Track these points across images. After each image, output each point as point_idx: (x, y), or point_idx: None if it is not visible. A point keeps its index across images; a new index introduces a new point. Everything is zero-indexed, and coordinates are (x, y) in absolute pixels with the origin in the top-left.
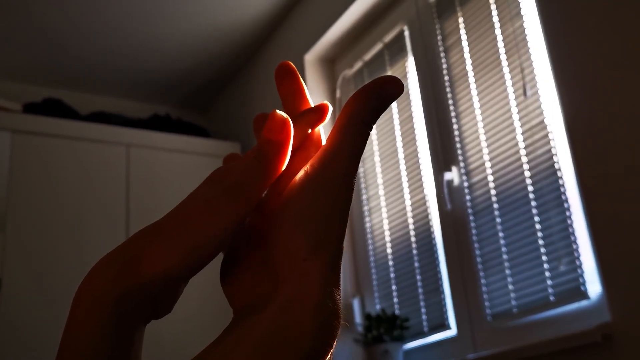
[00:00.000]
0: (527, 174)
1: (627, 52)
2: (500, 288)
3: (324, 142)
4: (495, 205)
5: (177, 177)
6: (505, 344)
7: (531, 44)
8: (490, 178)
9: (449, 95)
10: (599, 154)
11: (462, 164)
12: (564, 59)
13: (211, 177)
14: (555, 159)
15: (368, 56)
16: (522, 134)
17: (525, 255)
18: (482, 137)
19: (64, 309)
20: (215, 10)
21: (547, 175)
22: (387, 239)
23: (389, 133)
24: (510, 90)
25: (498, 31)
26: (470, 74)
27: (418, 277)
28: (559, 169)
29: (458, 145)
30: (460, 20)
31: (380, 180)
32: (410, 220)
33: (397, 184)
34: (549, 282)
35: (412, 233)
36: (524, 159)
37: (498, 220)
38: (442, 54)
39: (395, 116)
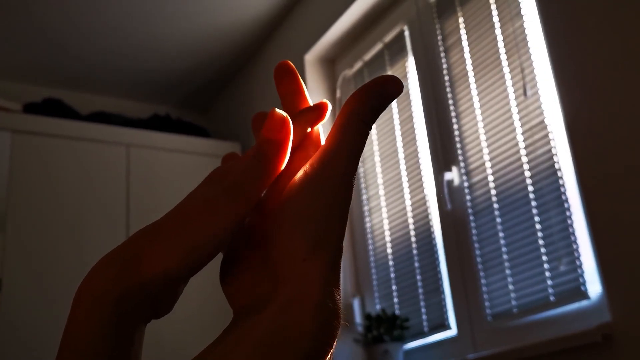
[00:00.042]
0: (527, 174)
1: (627, 52)
2: (500, 288)
3: (323, 141)
4: (496, 205)
5: (177, 177)
6: (506, 344)
7: (531, 44)
8: (491, 178)
9: (449, 95)
10: (599, 154)
11: (462, 164)
12: (564, 59)
13: (211, 177)
14: (555, 159)
15: (368, 56)
16: (522, 134)
17: (526, 255)
18: (482, 137)
19: (64, 309)
20: (215, 10)
21: (547, 175)
22: (387, 239)
23: (389, 133)
24: (510, 90)
25: (498, 31)
26: (471, 74)
27: (418, 277)
28: (559, 169)
29: (458, 145)
30: (461, 20)
31: (380, 180)
32: (411, 220)
33: (397, 184)
34: (549, 282)
35: (412, 233)
36: (524, 159)
37: (498, 220)
38: (442, 54)
39: (396, 116)
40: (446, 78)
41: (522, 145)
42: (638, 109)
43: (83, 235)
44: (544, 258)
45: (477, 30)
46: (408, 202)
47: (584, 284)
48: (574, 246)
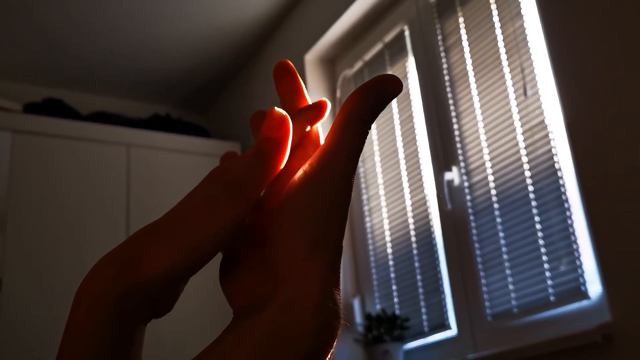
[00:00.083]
0: (528, 174)
1: (627, 52)
2: (500, 288)
3: (322, 140)
4: (496, 205)
5: (178, 177)
6: (506, 344)
7: (531, 44)
8: (491, 178)
9: (449, 95)
10: (599, 154)
11: (462, 164)
12: (564, 58)
13: (210, 176)
14: (555, 159)
15: (368, 56)
16: (523, 134)
17: (526, 255)
18: (483, 137)
19: (64, 309)
20: (215, 10)
21: (548, 175)
22: (388, 239)
23: (389, 133)
24: (510, 90)
25: (498, 31)
26: (471, 73)
27: (418, 277)
28: (559, 169)
29: (458, 145)
30: (461, 20)
31: (380, 180)
32: (411, 220)
33: (397, 184)
34: (549, 282)
35: (412, 233)
36: (525, 159)
37: (498, 220)
38: (442, 54)
39: (396, 116)
40: (446, 78)
41: (522, 145)
42: (638, 109)
43: (83, 235)
44: (544, 258)
45: (477, 30)
46: (408, 202)
47: (584, 284)
48: (574, 246)
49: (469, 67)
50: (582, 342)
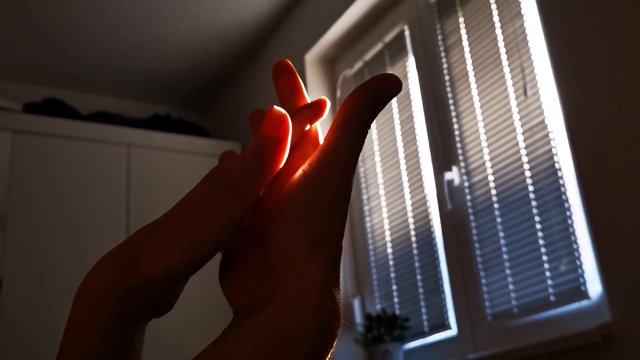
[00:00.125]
0: (528, 173)
1: (627, 52)
2: (500, 288)
3: (321, 140)
4: (496, 205)
5: (178, 177)
6: (506, 344)
7: (531, 44)
8: (491, 178)
9: (450, 95)
10: (599, 153)
11: (462, 164)
12: (564, 58)
13: (210, 175)
14: (555, 158)
15: (368, 56)
16: (523, 133)
17: (526, 255)
18: (483, 137)
19: (64, 309)
20: (215, 10)
21: (548, 175)
22: (388, 238)
23: (390, 133)
24: (510, 90)
25: (498, 31)
26: (471, 73)
27: (418, 277)
28: (560, 169)
29: (458, 145)
30: (461, 20)
31: (380, 180)
32: (411, 220)
33: (397, 184)
34: (549, 282)
35: (412, 233)
36: (525, 159)
37: (498, 220)
38: (442, 54)
39: (396, 116)
40: (446, 78)
41: (522, 145)
42: (638, 109)
43: (83, 235)
44: (544, 258)
45: (478, 30)
46: (408, 202)
47: (584, 284)
48: (574, 246)
49: (469, 67)
50: (582, 342)
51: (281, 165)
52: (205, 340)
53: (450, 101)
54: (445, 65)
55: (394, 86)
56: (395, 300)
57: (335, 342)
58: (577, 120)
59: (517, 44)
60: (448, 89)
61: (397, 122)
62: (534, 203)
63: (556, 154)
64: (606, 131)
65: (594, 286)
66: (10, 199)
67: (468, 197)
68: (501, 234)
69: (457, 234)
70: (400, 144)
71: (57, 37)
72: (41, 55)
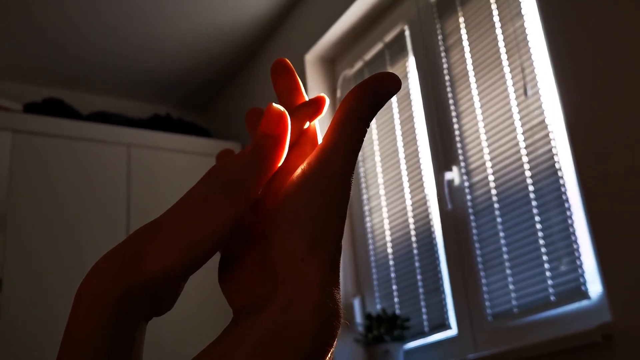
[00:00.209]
0: (528, 173)
1: (627, 52)
2: (500, 288)
3: (320, 138)
4: (496, 205)
5: (178, 177)
6: (506, 344)
7: (532, 44)
8: (491, 178)
9: (450, 95)
10: (599, 153)
11: (462, 164)
12: (564, 58)
13: (209, 174)
14: (555, 158)
15: (368, 56)
16: (523, 133)
17: (526, 255)
18: (483, 137)
19: (64, 309)
20: (215, 10)
21: (548, 175)
22: (388, 238)
23: (390, 133)
24: (510, 90)
25: (499, 31)
26: (471, 73)
27: (419, 277)
28: (560, 169)
29: (459, 145)
30: (461, 20)
31: (380, 180)
32: (411, 220)
33: (397, 184)
34: (549, 282)
35: (412, 233)
36: (525, 159)
37: (499, 220)
38: (442, 54)
39: (396, 116)
40: (447, 78)
41: (522, 145)
42: (638, 109)
43: (83, 235)
44: (545, 258)
45: (478, 30)
46: (408, 202)
47: (584, 283)
48: (575, 246)
49: (469, 67)
50: (582, 342)
51: (280, 164)
52: (205, 340)
53: (451, 101)
54: (445, 65)
55: (393, 85)
56: (396, 300)
57: (335, 342)
58: (577, 120)
59: (517, 44)
60: (448, 89)
61: (397, 122)
62: (534, 203)
63: (556, 154)
64: (606, 131)
65: (594, 286)
66: (10, 199)
67: (468, 197)
68: (501, 234)
69: (457, 234)
70: (400, 143)
71: (57, 37)
72: (41, 55)
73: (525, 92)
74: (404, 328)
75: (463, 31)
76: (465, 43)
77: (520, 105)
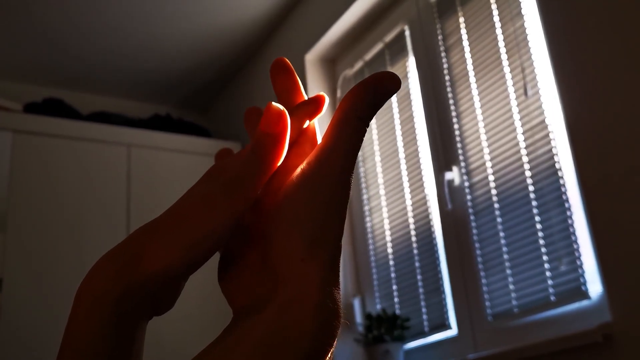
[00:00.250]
0: (528, 173)
1: (627, 52)
2: (500, 288)
3: (319, 138)
4: (496, 205)
5: (178, 177)
6: (506, 344)
7: (532, 44)
8: (491, 178)
9: (450, 95)
10: (599, 153)
11: (462, 164)
12: (564, 58)
13: (209, 173)
14: (556, 158)
15: (369, 56)
16: (523, 133)
17: (526, 255)
18: (483, 137)
19: (64, 309)
20: (215, 10)
21: (548, 175)
22: (388, 238)
23: (390, 133)
24: (511, 90)
25: (499, 31)
26: (471, 73)
27: (419, 277)
28: (560, 169)
29: (459, 145)
30: (461, 20)
31: (380, 180)
32: (411, 220)
33: (397, 184)
34: (549, 282)
35: (412, 233)
36: (525, 159)
37: (499, 220)
38: (442, 54)
39: (396, 116)
40: (447, 78)
41: (522, 145)
42: (638, 109)
43: (83, 235)
44: (545, 258)
45: (478, 30)
46: (408, 202)
47: (584, 283)
48: (575, 246)
49: (470, 67)
50: (582, 342)
51: (280, 163)
52: (205, 340)
53: (451, 101)
54: (445, 65)
55: (392, 84)
56: (396, 300)
57: (335, 342)
58: (577, 120)
59: (518, 44)
60: (448, 89)
61: (397, 122)
62: (534, 203)
63: (556, 154)
64: (606, 131)
65: (594, 286)
66: (11, 199)
67: (468, 197)
68: (501, 234)
69: (457, 234)
70: (400, 144)
71: (57, 37)
72: (41, 55)
73: (525, 92)
74: (404, 328)
75: (463, 31)
76: (466, 43)
77: (521, 105)
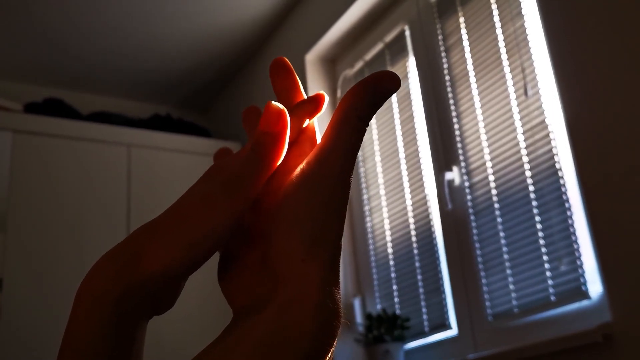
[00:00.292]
0: (528, 173)
1: (627, 52)
2: (501, 288)
3: (318, 137)
4: (496, 205)
5: (178, 177)
6: (506, 344)
7: (532, 44)
8: (491, 178)
9: (450, 95)
10: (599, 153)
11: (462, 164)
12: (564, 58)
13: (208, 173)
14: (556, 158)
15: (369, 56)
16: (523, 133)
17: (526, 255)
18: (483, 137)
19: (64, 309)
20: (215, 10)
21: (548, 175)
22: (388, 238)
23: (390, 133)
24: (511, 90)
25: (499, 31)
26: (471, 73)
27: (419, 277)
28: (560, 169)
29: (459, 145)
30: (461, 20)
31: (381, 180)
32: (411, 220)
33: (397, 184)
34: (549, 282)
35: (412, 233)
36: (525, 159)
37: (499, 220)
38: (443, 54)
39: (396, 116)
40: (447, 78)
41: (522, 145)
42: (638, 109)
43: (83, 235)
44: (545, 258)
45: (478, 30)
46: (409, 202)
47: (584, 283)
48: (575, 246)
49: (470, 67)
50: (582, 342)
51: (279, 162)
52: (205, 340)
53: (451, 101)
54: (445, 65)
55: (392, 83)
56: (396, 300)
57: (335, 342)
58: (577, 120)
59: (518, 43)
60: (448, 89)
61: (397, 122)
62: (534, 203)
63: (556, 154)
64: (606, 131)
65: (594, 286)
66: (11, 199)
67: (468, 197)
68: (501, 234)
69: (457, 234)
70: (400, 144)
71: (57, 37)
72: (41, 55)
73: (525, 92)
74: (404, 328)
75: (463, 31)
76: (466, 43)
77: (521, 105)
